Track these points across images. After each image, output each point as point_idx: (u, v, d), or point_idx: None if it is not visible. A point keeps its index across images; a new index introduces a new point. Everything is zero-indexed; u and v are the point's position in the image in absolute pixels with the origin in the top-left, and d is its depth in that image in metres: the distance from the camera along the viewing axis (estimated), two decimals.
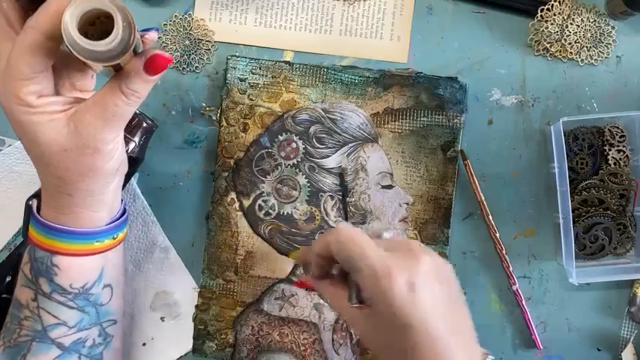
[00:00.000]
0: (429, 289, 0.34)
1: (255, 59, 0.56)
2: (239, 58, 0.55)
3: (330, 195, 0.55)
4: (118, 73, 0.36)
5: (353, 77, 0.55)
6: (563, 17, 0.55)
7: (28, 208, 0.41)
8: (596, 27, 0.56)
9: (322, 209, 0.55)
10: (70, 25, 0.31)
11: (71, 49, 0.32)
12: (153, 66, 0.35)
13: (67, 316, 0.41)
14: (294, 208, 0.55)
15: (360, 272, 0.35)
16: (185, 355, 0.56)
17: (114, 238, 0.43)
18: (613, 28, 0.56)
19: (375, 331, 0.36)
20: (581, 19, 0.55)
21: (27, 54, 0.34)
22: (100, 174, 0.38)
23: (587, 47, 0.56)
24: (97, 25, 0.33)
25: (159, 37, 0.56)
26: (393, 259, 0.35)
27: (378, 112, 0.55)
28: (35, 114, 0.35)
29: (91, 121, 0.36)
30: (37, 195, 0.42)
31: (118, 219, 0.43)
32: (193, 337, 0.55)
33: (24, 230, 0.42)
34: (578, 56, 0.56)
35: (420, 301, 0.33)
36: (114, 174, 0.40)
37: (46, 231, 0.40)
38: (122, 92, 0.36)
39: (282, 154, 0.55)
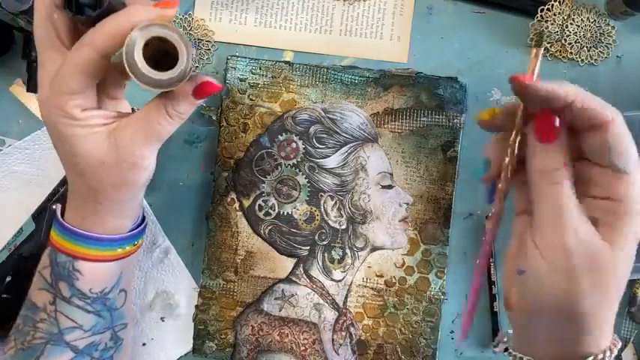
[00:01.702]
0: None
1: (255, 59, 0.56)
2: (239, 58, 0.55)
3: (330, 195, 0.55)
4: (164, 93, 0.37)
5: (353, 77, 0.55)
6: (563, 17, 0.55)
7: (51, 212, 0.41)
8: (597, 27, 0.56)
9: (322, 209, 0.55)
10: (136, 53, 0.33)
11: (133, 76, 0.33)
12: (202, 91, 0.37)
13: (83, 320, 0.42)
14: (294, 208, 0.55)
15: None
16: (185, 355, 0.56)
17: (134, 245, 0.44)
18: (613, 28, 0.56)
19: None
20: (581, 19, 0.55)
21: (79, 70, 0.34)
22: (133, 186, 0.39)
23: (587, 47, 0.56)
24: (149, 46, 0.34)
25: None
26: None
27: (378, 112, 0.55)
28: (78, 127, 0.36)
29: (132, 136, 0.37)
30: (59, 199, 0.43)
31: (139, 225, 0.44)
32: (193, 337, 0.55)
33: (44, 234, 0.42)
34: (578, 56, 0.56)
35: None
36: (144, 186, 0.41)
37: (71, 236, 0.40)
38: (168, 113, 0.37)
39: (282, 154, 0.55)
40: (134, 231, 0.43)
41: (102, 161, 0.37)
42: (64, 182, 0.52)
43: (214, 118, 0.56)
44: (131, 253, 0.44)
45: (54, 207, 0.42)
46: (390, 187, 0.55)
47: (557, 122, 0.31)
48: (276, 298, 0.55)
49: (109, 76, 0.41)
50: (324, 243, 0.55)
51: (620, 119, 0.30)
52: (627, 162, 0.30)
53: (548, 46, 0.55)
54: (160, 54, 0.35)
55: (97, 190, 0.38)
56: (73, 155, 0.37)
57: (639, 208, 0.30)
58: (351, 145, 0.55)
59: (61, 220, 0.41)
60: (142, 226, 0.45)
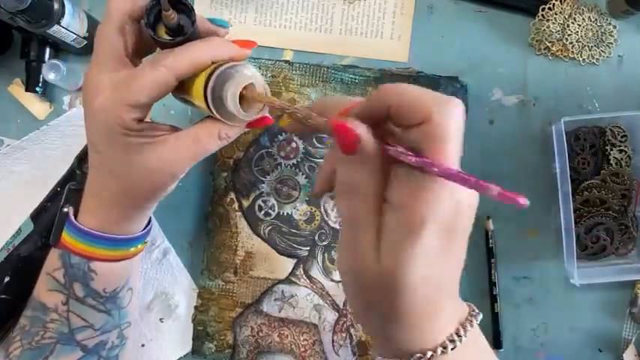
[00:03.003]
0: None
1: (255, 58, 0.55)
2: None
3: (330, 195, 0.54)
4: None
5: (353, 77, 0.55)
6: (564, 16, 0.55)
7: (63, 215, 0.42)
8: (598, 26, 0.55)
9: (322, 209, 0.55)
10: (231, 93, 0.34)
11: (213, 108, 0.35)
12: (258, 124, 0.39)
13: (94, 319, 0.42)
14: (294, 208, 0.55)
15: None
16: (184, 356, 0.56)
17: (144, 242, 0.45)
18: (614, 27, 0.55)
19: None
20: (583, 19, 0.55)
21: (152, 88, 0.35)
22: (162, 194, 0.41)
23: (588, 47, 0.55)
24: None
25: None
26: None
27: None
28: (132, 136, 0.37)
29: (179, 151, 0.38)
30: (68, 200, 0.43)
31: (147, 224, 0.45)
32: (192, 338, 0.55)
33: (54, 236, 0.42)
34: (579, 55, 0.55)
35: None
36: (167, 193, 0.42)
37: (87, 238, 0.41)
38: (219, 136, 0.38)
39: (282, 153, 0.55)
40: (144, 230, 0.44)
41: (146, 170, 0.38)
42: (62, 182, 0.52)
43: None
44: (140, 252, 0.45)
45: (65, 209, 0.42)
46: None
47: (359, 130, 0.25)
48: (275, 299, 0.54)
49: None
50: (325, 243, 0.54)
51: (445, 114, 0.25)
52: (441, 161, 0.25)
53: (550, 45, 0.55)
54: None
55: (130, 196, 0.39)
56: (120, 162, 0.38)
57: (436, 221, 0.25)
58: None
59: (75, 222, 0.41)
60: (151, 224, 0.46)
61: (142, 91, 0.35)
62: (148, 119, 0.39)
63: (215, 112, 0.35)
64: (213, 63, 0.36)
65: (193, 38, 0.36)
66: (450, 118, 0.26)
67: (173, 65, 0.35)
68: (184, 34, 0.36)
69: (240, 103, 0.35)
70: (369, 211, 0.26)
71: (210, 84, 0.34)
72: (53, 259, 0.42)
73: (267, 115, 0.39)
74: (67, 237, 0.41)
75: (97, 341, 0.43)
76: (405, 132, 0.26)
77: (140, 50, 0.39)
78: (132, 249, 0.43)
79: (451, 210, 0.25)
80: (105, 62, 0.37)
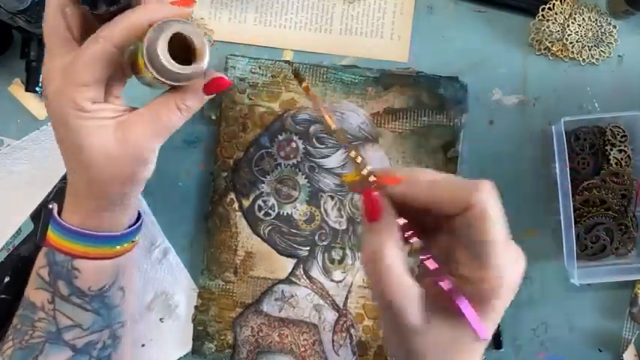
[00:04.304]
0: None
1: (255, 58, 0.55)
2: (238, 58, 0.55)
3: (330, 195, 0.54)
4: (174, 88, 0.37)
5: (353, 77, 0.55)
6: (564, 16, 0.55)
7: (47, 212, 0.41)
8: (598, 26, 0.55)
9: (322, 209, 0.55)
10: (161, 47, 0.33)
11: (152, 69, 0.34)
12: (213, 87, 0.38)
13: (82, 319, 0.42)
14: (294, 208, 0.55)
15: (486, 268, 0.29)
16: (184, 356, 0.56)
17: (132, 242, 0.44)
18: (614, 27, 0.55)
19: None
20: (583, 19, 0.55)
21: (94, 62, 0.35)
22: (135, 181, 0.40)
23: (588, 47, 0.55)
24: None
25: None
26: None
27: (379, 112, 0.55)
28: (88, 119, 0.36)
29: (141, 130, 0.37)
30: (55, 198, 0.42)
31: (136, 222, 0.44)
32: (193, 338, 0.55)
33: (41, 234, 0.42)
34: (579, 55, 0.55)
35: None
36: (144, 181, 0.41)
37: (70, 235, 0.40)
38: (178, 107, 0.37)
39: (282, 153, 0.55)
40: (131, 228, 0.43)
41: (109, 154, 0.37)
42: (62, 180, 0.52)
43: (213, 117, 0.56)
44: (129, 251, 0.44)
45: (50, 206, 0.42)
46: None
47: (383, 200, 0.29)
48: (275, 299, 0.54)
49: (113, 72, 0.41)
50: (324, 243, 0.54)
51: (482, 202, 0.28)
52: (485, 251, 0.29)
53: (550, 45, 0.55)
54: (170, 50, 0.35)
55: (100, 185, 0.38)
56: (80, 148, 0.37)
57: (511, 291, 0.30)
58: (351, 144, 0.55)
59: (58, 219, 0.40)
60: (139, 223, 0.45)
61: (86, 67, 0.35)
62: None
63: (155, 74, 0.34)
64: (150, 26, 0.35)
65: (129, 7, 0.36)
66: (490, 200, 0.29)
67: (110, 35, 0.34)
68: (119, 2, 0.35)
69: (193, 61, 0.34)
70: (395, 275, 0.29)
71: (145, 43, 0.34)
72: (40, 257, 0.42)
73: (222, 75, 0.38)
74: (51, 234, 0.41)
75: (86, 341, 0.42)
76: (447, 219, 0.30)
77: (90, 32, 0.37)
78: (118, 247, 0.42)
79: (518, 279, 0.31)
80: (53, 48, 0.37)
